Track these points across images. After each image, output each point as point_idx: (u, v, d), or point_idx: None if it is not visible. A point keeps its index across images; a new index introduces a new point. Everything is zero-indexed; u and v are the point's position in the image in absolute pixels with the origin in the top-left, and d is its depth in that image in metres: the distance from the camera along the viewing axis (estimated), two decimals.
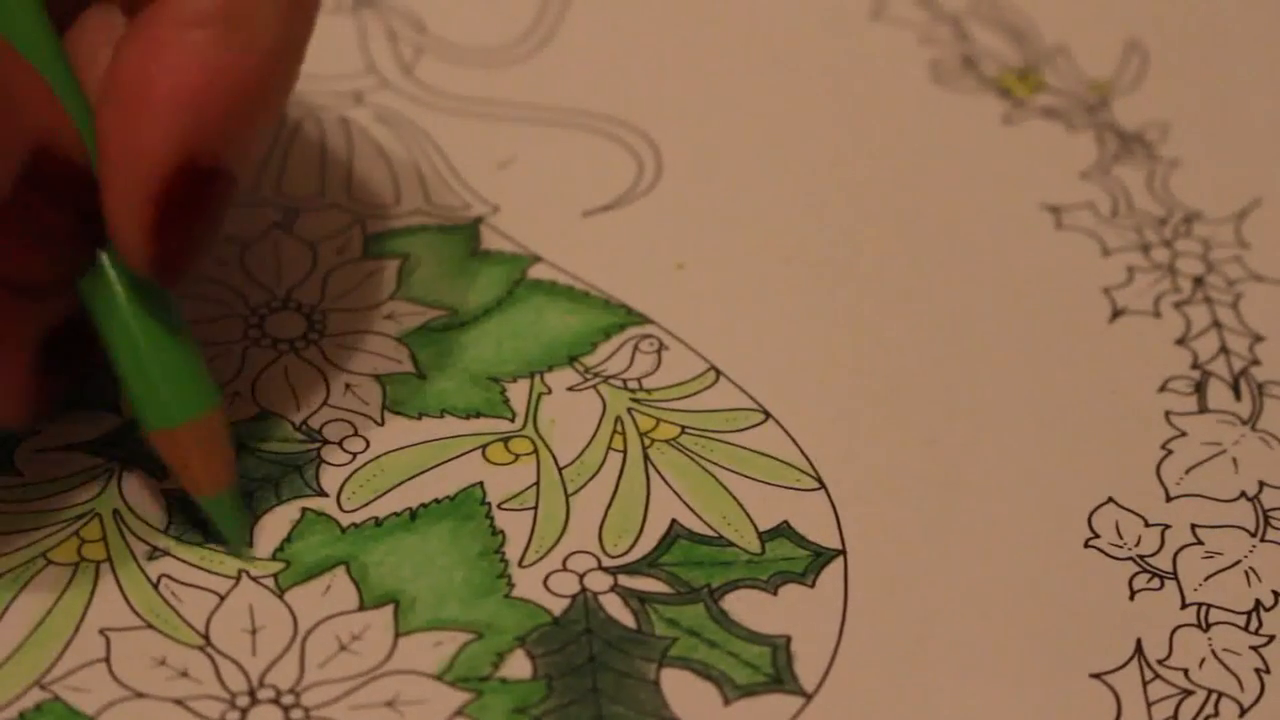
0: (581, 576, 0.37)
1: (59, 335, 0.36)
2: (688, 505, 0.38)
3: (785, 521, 0.38)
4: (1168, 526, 0.39)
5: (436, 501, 0.38)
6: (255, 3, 0.34)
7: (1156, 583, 0.38)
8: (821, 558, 0.38)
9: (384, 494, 0.38)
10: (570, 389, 0.40)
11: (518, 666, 0.36)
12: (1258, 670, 0.37)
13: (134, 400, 0.36)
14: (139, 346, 0.35)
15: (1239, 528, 0.39)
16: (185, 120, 0.34)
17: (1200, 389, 0.41)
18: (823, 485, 0.39)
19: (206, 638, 0.36)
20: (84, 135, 0.34)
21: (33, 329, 0.35)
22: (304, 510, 0.38)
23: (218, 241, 0.35)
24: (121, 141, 0.34)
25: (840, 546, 0.38)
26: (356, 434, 0.39)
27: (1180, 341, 0.42)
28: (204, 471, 0.36)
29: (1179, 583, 0.38)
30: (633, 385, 0.40)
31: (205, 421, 0.36)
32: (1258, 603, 0.38)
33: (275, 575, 0.37)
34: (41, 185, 0.33)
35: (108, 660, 0.35)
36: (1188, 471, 0.40)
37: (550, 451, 0.39)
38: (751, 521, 0.38)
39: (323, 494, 0.38)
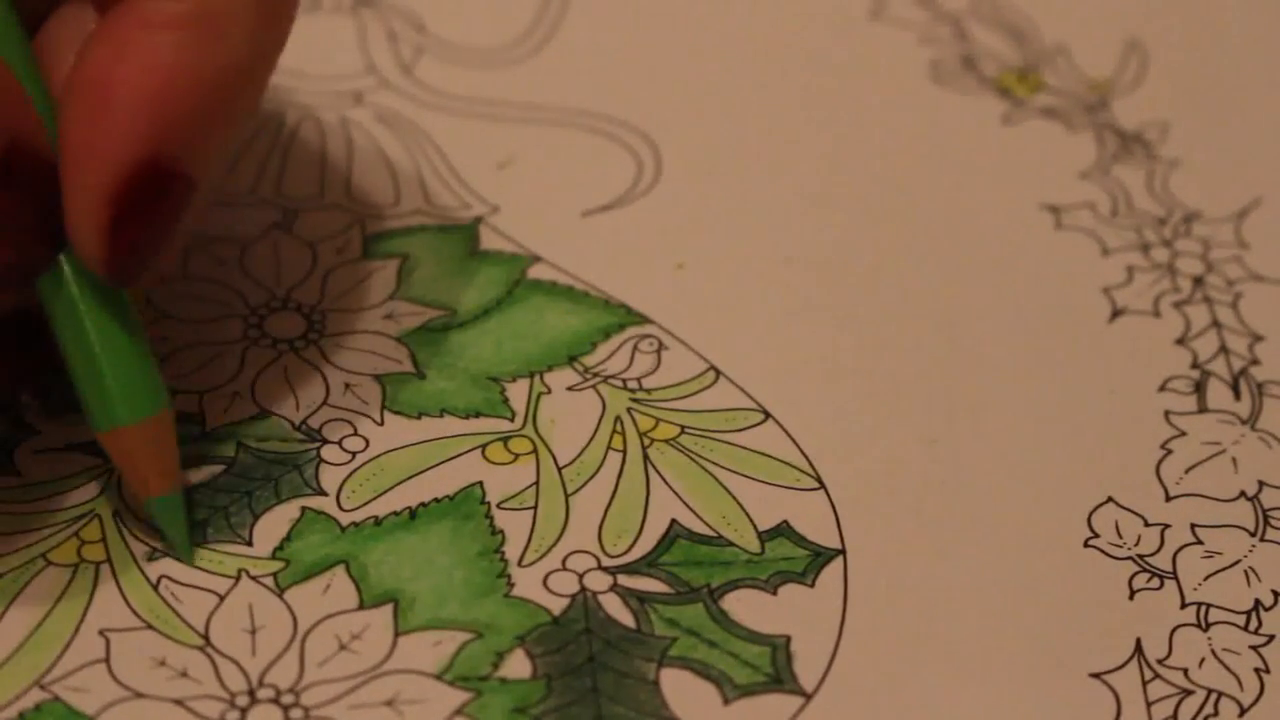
0: (581, 576, 0.37)
1: (5, 328, 0.36)
2: (687, 505, 0.38)
3: (785, 521, 0.38)
4: (1167, 526, 0.39)
5: (436, 501, 0.38)
6: (227, 10, 0.34)
7: (1156, 582, 0.38)
8: (821, 557, 0.38)
9: (383, 493, 0.38)
10: (570, 389, 0.40)
11: (517, 666, 0.36)
12: (1257, 670, 0.37)
13: (84, 399, 0.36)
14: (91, 345, 0.35)
15: (1239, 527, 0.39)
16: (146, 121, 0.33)
17: (1200, 389, 0.41)
18: (822, 485, 0.39)
19: (206, 638, 0.36)
20: (50, 133, 0.34)
21: None
22: (303, 509, 0.38)
23: (174, 245, 0.35)
24: (81, 139, 0.34)
25: (840, 546, 0.38)
26: (356, 433, 0.39)
27: (1180, 341, 0.42)
28: (152, 472, 0.36)
29: (1179, 582, 0.38)
30: (632, 385, 0.40)
31: (154, 423, 0.36)
32: (1257, 602, 0.38)
33: (275, 574, 0.37)
34: (8, 180, 0.33)
35: (107, 660, 0.35)
36: (1187, 471, 0.40)
37: (550, 451, 0.39)
38: (751, 521, 0.38)
39: (322, 493, 0.38)
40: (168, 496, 0.36)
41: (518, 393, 0.40)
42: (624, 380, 0.40)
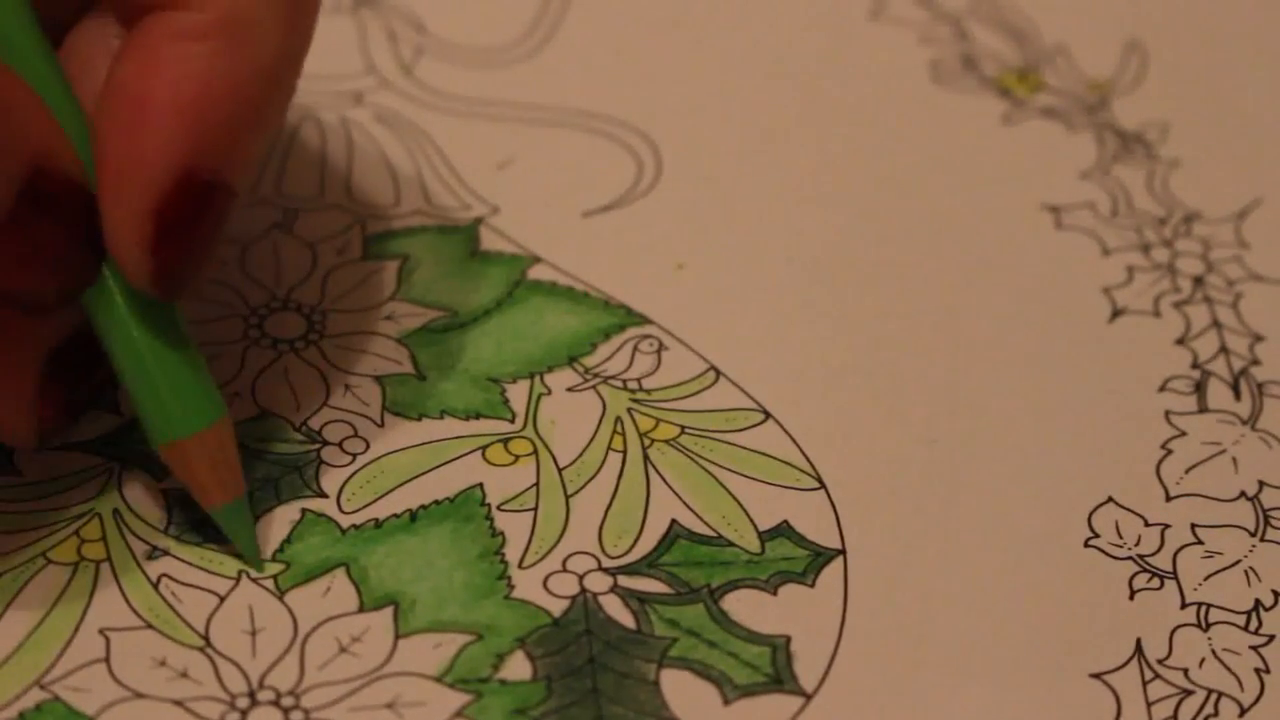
0: (581, 577, 0.37)
1: (66, 351, 0.36)
2: (687, 505, 0.38)
3: (785, 521, 0.38)
4: (1167, 526, 0.39)
5: (436, 503, 0.38)
6: (255, 16, 0.34)
7: (1156, 582, 0.38)
8: (821, 557, 0.38)
9: (384, 495, 0.38)
10: (570, 389, 0.40)
11: (517, 668, 0.36)
12: (1257, 670, 0.37)
13: (141, 413, 0.36)
14: (143, 360, 0.35)
15: (1239, 527, 0.39)
16: (183, 134, 0.33)
17: (1200, 389, 0.41)
18: (822, 485, 0.39)
19: (206, 638, 0.36)
20: (80, 151, 0.34)
21: (38, 345, 0.35)
22: (304, 511, 0.38)
23: (216, 254, 0.35)
24: (120, 155, 0.34)
25: (840, 546, 0.38)
26: (356, 435, 0.39)
27: (1180, 341, 0.42)
28: (213, 482, 0.36)
29: (1179, 582, 0.38)
30: (632, 385, 0.40)
31: (213, 433, 0.36)
32: (1257, 602, 0.38)
33: (275, 576, 0.37)
34: (40, 204, 0.33)
35: (107, 660, 0.35)
36: (1188, 471, 0.40)
37: (550, 452, 0.39)
38: (751, 521, 0.38)
39: (322, 495, 0.38)
40: (230, 504, 0.36)
41: (518, 394, 0.40)
42: (624, 381, 0.40)
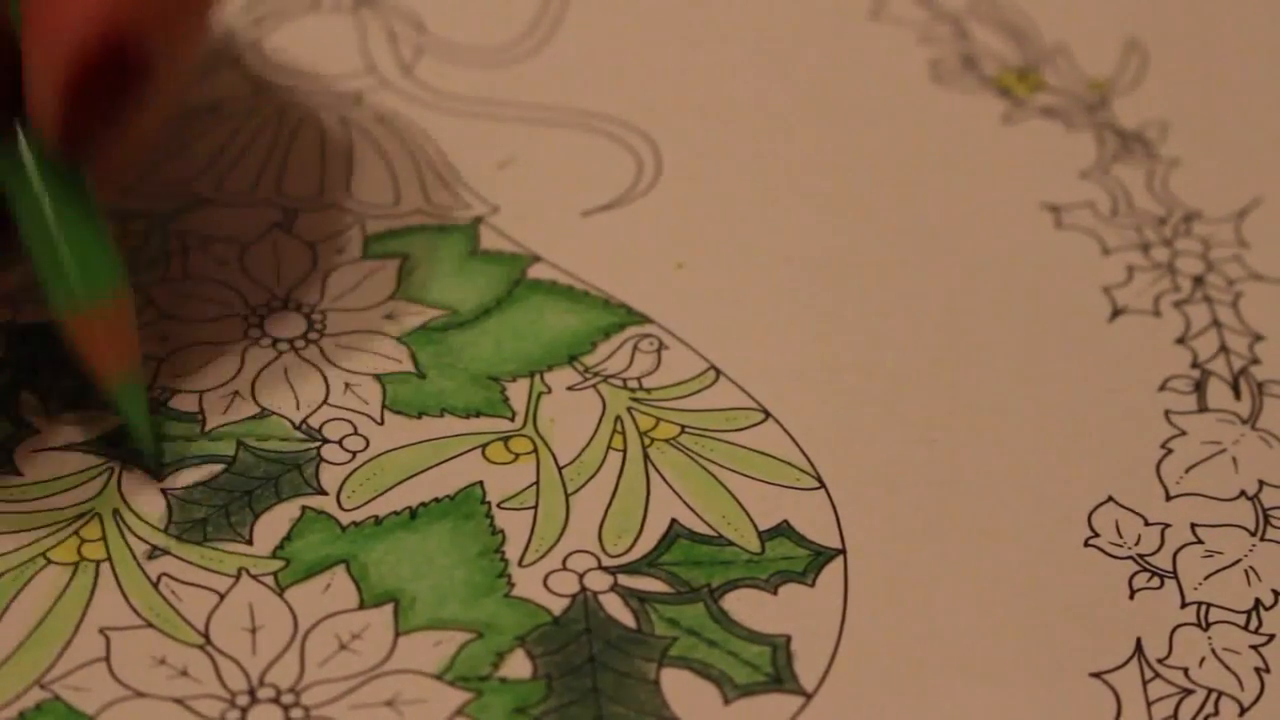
0: (581, 576, 0.37)
1: None
2: (687, 505, 0.38)
3: (785, 521, 0.38)
4: (1167, 525, 0.39)
5: (436, 501, 0.38)
6: None
7: (1156, 582, 0.38)
8: (821, 557, 0.38)
9: (384, 493, 0.38)
10: (570, 388, 0.40)
11: (518, 666, 0.36)
12: (1258, 669, 0.37)
13: (43, 281, 0.36)
14: (49, 225, 0.35)
15: (1239, 527, 0.39)
16: None
17: (1200, 388, 0.41)
18: (823, 484, 0.39)
19: (206, 637, 0.36)
20: (12, 4, 0.35)
21: None
22: (304, 509, 0.38)
23: (138, 139, 0.36)
24: (44, 11, 0.34)
25: (840, 546, 0.38)
26: (356, 433, 0.39)
27: (1180, 340, 0.42)
28: (110, 355, 0.36)
29: (1179, 582, 0.38)
30: (632, 385, 0.40)
31: (113, 306, 0.36)
32: (1258, 602, 0.38)
33: (275, 574, 0.37)
34: None
35: (108, 660, 0.35)
36: (1187, 470, 0.40)
37: (550, 451, 0.39)
38: (751, 521, 0.38)
39: (322, 493, 0.38)
40: (128, 382, 0.36)
41: (518, 392, 0.40)
42: (624, 380, 0.40)
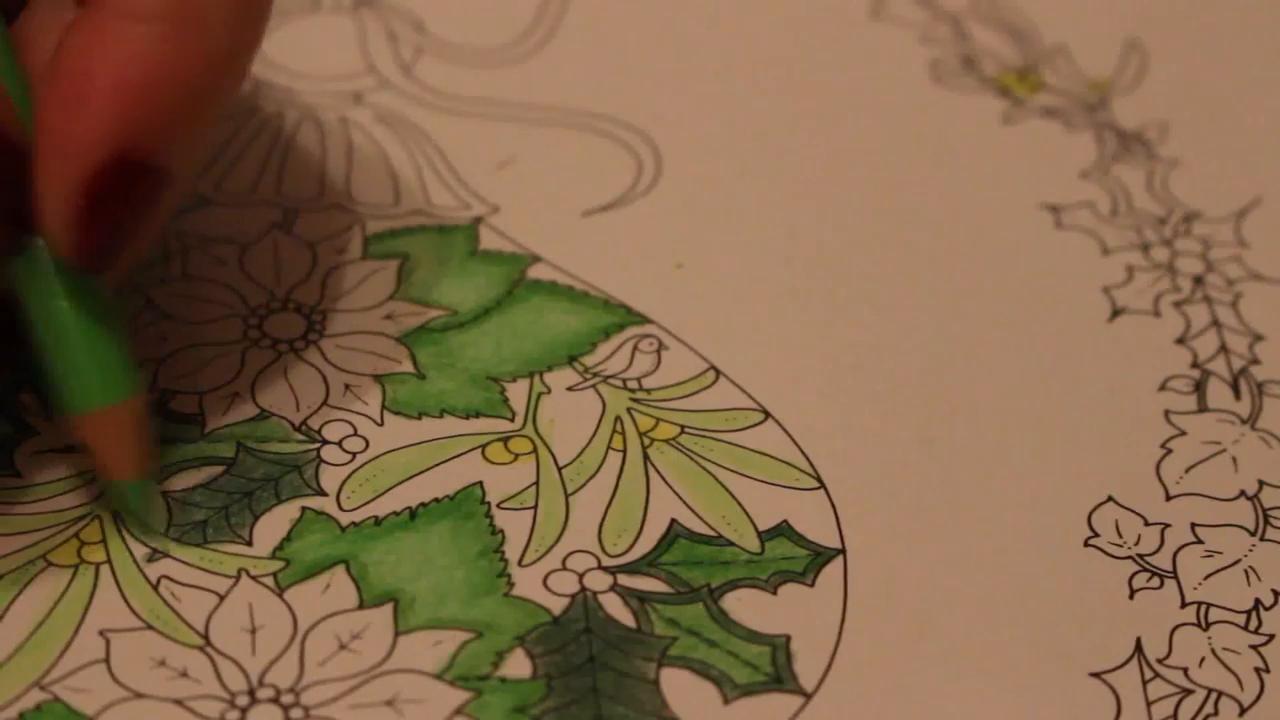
0: (581, 576, 0.37)
1: None
2: (687, 505, 0.38)
3: (785, 521, 0.38)
4: (1167, 525, 0.39)
5: (436, 501, 0.38)
6: (205, 4, 0.34)
7: (1156, 582, 0.38)
8: (821, 557, 0.38)
9: (383, 493, 0.38)
10: (570, 389, 0.40)
11: (517, 666, 0.36)
12: (1257, 669, 0.37)
13: (56, 382, 0.36)
14: (66, 329, 0.35)
15: (1239, 527, 0.39)
16: (121, 113, 0.34)
17: (1200, 388, 0.41)
18: (822, 484, 0.39)
19: (206, 638, 0.36)
20: (24, 120, 0.35)
21: None
22: (303, 509, 0.38)
23: (148, 235, 0.36)
24: (56, 128, 0.34)
25: (840, 546, 0.38)
26: (356, 434, 0.39)
27: (1180, 341, 0.42)
28: (121, 456, 0.36)
29: (1179, 582, 0.38)
30: (632, 385, 0.40)
31: (126, 408, 0.36)
32: (1257, 602, 0.38)
33: (275, 574, 0.37)
34: None
35: (107, 661, 0.35)
36: (1187, 470, 0.40)
37: (550, 451, 0.39)
38: (751, 521, 0.38)
39: (322, 493, 0.38)
40: (135, 482, 0.37)
41: (517, 393, 0.40)
42: (624, 380, 0.40)
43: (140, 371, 0.37)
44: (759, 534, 0.38)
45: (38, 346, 0.36)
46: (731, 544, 0.38)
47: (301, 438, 0.39)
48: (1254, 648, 0.37)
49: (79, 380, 0.36)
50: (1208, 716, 0.36)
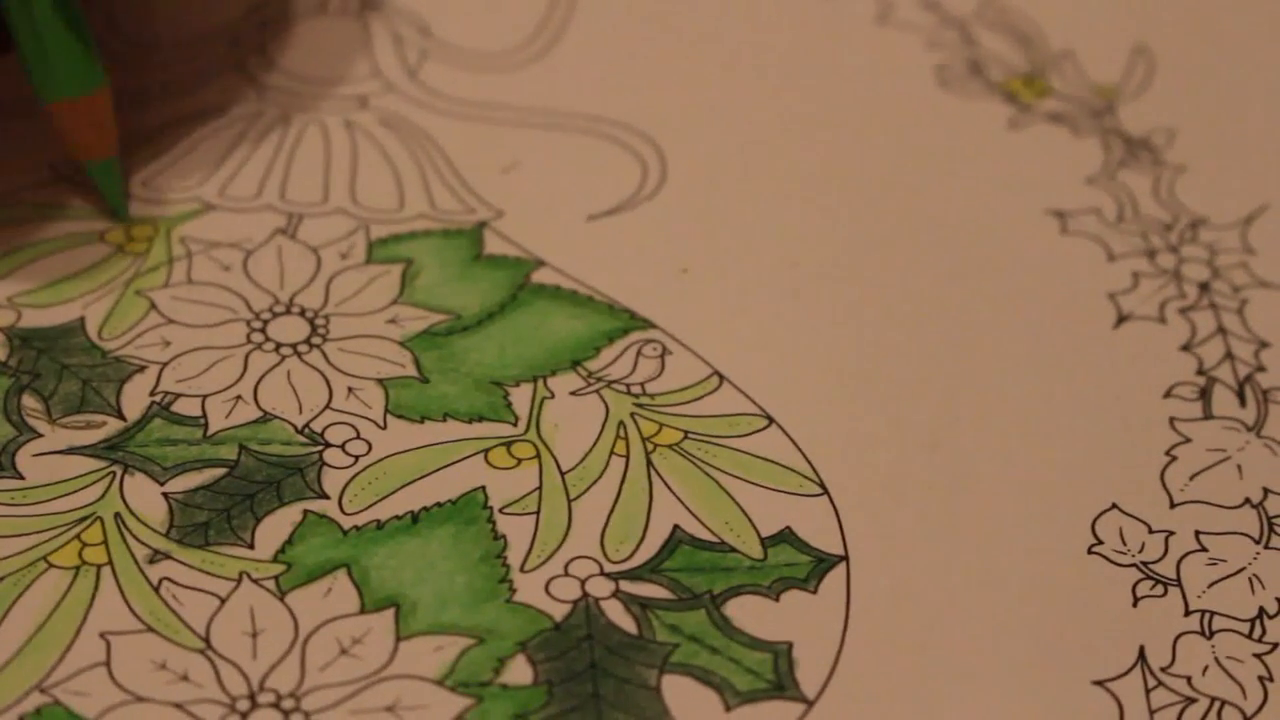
0: (583, 582, 0.37)
1: None
2: (690, 511, 0.38)
3: (788, 527, 0.38)
4: (1171, 533, 0.39)
5: (438, 505, 0.38)
6: None
7: (1160, 589, 0.38)
8: (824, 564, 0.38)
9: (386, 497, 0.38)
10: (573, 393, 0.40)
11: (519, 672, 0.36)
12: (1261, 678, 0.37)
13: (34, 74, 0.41)
14: (41, 30, 0.40)
15: (1243, 534, 0.39)
16: None
17: (1205, 395, 0.41)
18: (825, 491, 0.39)
19: (207, 641, 0.36)
20: None
21: None
22: (305, 513, 0.38)
23: None
24: None
25: (843, 553, 0.38)
26: (359, 437, 0.39)
27: (1185, 347, 0.42)
28: (92, 139, 0.42)
29: (1182, 589, 0.38)
30: (636, 390, 0.40)
31: (96, 98, 0.41)
32: (1261, 610, 0.38)
33: (276, 577, 0.37)
34: None
35: (108, 664, 0.35)
36: (1192, 478, 0.40)
37: (553, 456, 0.39)
38: (754, 527, 0.38)
39: (324, 497, 0.38)
40: (105, 160, 0.42)
41: (521, 397, 0.40)
42: (627, 385, 0.40)
43: (103, 66, 0.41)
44: (762, 540, 0.38)
45: (19, 47, 0.41)
46: (734, 550, 0.38)
47: (304, 440, 0.39)
48: (1258, 656, 0.37)
49: (53, 74, 0.41)
50: None
